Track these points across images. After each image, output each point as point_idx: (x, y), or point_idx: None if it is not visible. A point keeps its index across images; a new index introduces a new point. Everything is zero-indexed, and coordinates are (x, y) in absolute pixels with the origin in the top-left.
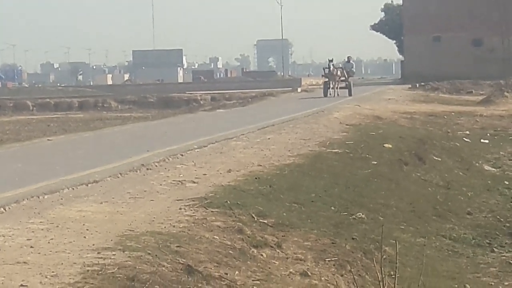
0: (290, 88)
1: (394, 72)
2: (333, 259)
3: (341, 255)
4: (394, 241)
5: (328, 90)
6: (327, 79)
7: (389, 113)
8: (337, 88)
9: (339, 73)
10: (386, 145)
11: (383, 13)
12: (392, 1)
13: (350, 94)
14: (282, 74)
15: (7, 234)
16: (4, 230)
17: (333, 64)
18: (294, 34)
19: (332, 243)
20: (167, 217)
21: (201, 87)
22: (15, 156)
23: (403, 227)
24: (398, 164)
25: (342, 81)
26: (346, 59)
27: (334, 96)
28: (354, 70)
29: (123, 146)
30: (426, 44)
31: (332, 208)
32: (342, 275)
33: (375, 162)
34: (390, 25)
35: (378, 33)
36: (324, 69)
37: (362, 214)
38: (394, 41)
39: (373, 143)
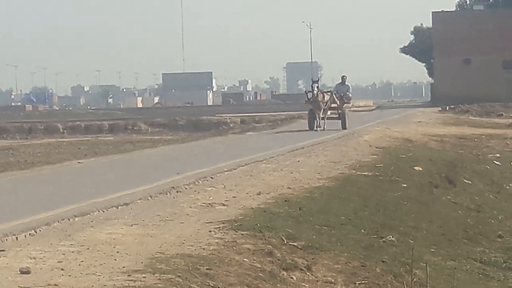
0: None
1: (424, 95)
2: (363, 282)
3: (371, 278)
4: (425, 264)
5: (315, 121)
6: (312, 107)
7: (419, 135)
8: (323, 118)
9: (326, 98)
10: (416, 167)
11: (412, 35)
12: (421, 24)
13: (344, 127)
14: None
15: (38, 257)
16: (35, 252)
17: (317, 86)
18: (323, 56)
19: (362, 266)
20: (197, 240)
21: (231, 109)
22: (46, 178)
23: (433, 250)
24: (428, 187)
25: (332, 108)
26: (340, 80)
27: (317, 130)
28: (351, 95)
29: (153, 169)
30: (456, 67)
31: (362, 231)
32: None
33: (405, 185)
34: (420, 48)
35: (408, 55)
36: (306, 93)
37: (392, 237)
38: (424, 64)
39: (403, 166)
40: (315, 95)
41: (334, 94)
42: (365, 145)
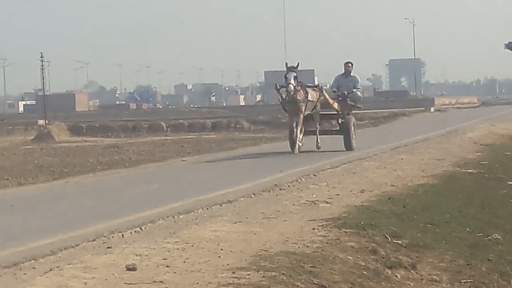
0: (423, 108)
1: None
2: (468, 280)
3: (477, 277)
4: None
5: (297, 136)
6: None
7: None
8: (301, 133)
9: (311, 97)
10: None
11: None
12: None
13: (348, 146)
14: (415, 93)
15: (144, 254)
16: (141, 249)
17: (295, 77)
18: (426, 53)
19: (468, 264)
20: (301, 237)
21: None
22: (151, 176)
23: None
24: None
25: (328, 116)
26: (343, 70)
27: (295, 150)
28: (360, 93)
29: (256, 167)
30: None
31: (467, 229)
32: None
33: (511, 183)
34: None
35: None
36: (278, 90)
37: (498, 235)
38: None
39: (508, 163)
40: (291, 91)
41: (333, 91)
42: (470, 142)
